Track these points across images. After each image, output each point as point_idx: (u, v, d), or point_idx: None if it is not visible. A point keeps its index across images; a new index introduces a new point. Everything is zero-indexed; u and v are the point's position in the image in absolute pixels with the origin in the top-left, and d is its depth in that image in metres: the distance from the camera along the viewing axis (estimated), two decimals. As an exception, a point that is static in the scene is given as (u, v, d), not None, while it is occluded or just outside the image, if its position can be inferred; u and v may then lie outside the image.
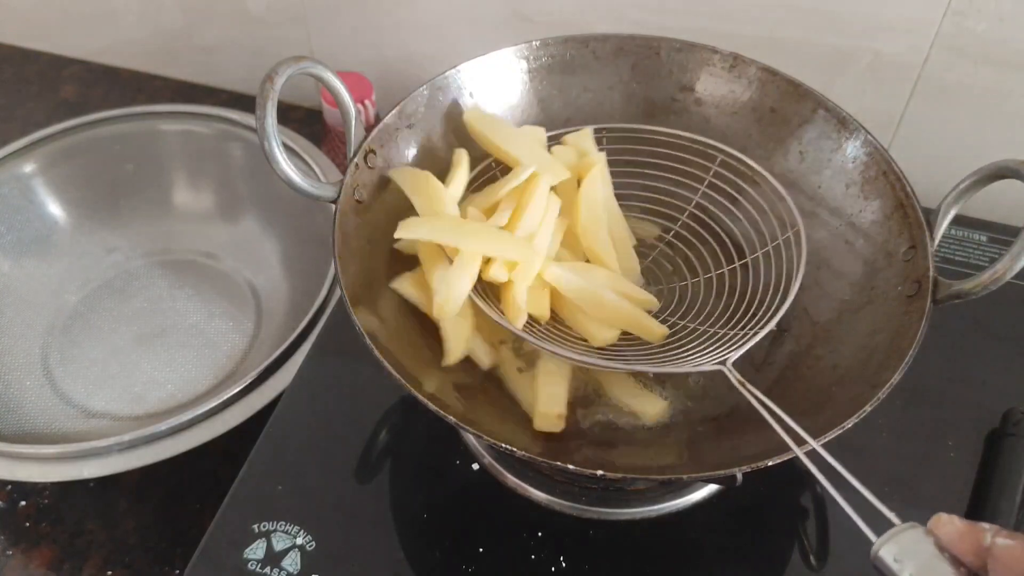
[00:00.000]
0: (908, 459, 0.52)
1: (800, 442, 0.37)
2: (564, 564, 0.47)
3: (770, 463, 0.38)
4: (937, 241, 0.45)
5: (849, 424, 0.38)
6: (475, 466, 0.52)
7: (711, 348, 0.46)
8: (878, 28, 0.62)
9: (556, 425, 0.46)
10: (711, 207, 0.54)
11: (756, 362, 0.50)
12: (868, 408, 0.39)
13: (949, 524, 0.29)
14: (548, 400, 0.46)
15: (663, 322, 0.50)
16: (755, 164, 0.52)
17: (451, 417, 0.40)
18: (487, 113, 0.53)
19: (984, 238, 0.65)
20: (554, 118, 0.56)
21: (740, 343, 0.45)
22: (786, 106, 0.53)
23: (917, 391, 0.54)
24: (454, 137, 0.54)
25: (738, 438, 0.46)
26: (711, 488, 0.51)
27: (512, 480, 0.51)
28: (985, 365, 0.57)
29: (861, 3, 0.61)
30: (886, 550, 0.29)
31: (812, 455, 0.36)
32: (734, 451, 0.43)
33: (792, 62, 0.55)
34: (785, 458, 0.38)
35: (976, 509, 0.49)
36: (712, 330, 0.48)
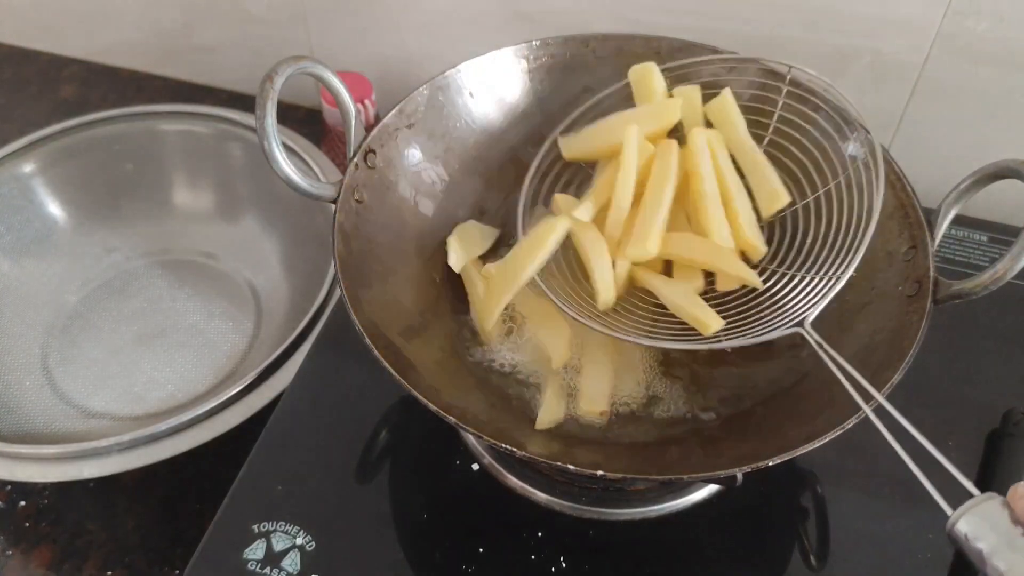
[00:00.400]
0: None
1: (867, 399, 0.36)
2: (564, 564, 0.47)
3: (770, 463, 0.38)
4: (938, 241, 0.45)
5: (850, 424, 0.38)
6: (475, 466, 0.52)
7: (789, 301, 0.45)
8: (878, 28, 0.62)
9: (600, 420, 0.47)
10: (781, 140, 0.52)
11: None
12: (869, 408, 0.39)
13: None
14: (591, 400, 0.48)
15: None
16: (826, 79, 0.49)
17: (451, 417, 0.40)
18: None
19: (985, 238, 0.64)
20: (554, 118, 0.56)
21: (816, 298, 0.44)
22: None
23: (918, 391, 0.54)
24: (453, 137, 0.54)
25: (740, 437, 0.46)
26: (711, 488, 0.51)
27: (512, 480, 0.51)
28: (986, 365, 0.57)
29: (861, 3, 0.61)
30: (963, 523, 0.28)
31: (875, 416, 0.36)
32: (735, 451, 0.43)
33: (792, 61, 0.55)
34: (787, 458, 0.38)
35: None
36: (790, 272, 0.47)
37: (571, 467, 0.39)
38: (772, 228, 0.51)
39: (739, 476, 0.38)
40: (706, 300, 0.47)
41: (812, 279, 0.46)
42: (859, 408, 0.39)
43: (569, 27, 0.57)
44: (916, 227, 0.46)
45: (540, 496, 0.50)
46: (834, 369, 0.39)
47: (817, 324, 0.49)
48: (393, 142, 0.51)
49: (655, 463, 0.47)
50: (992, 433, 0.53)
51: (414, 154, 0.53)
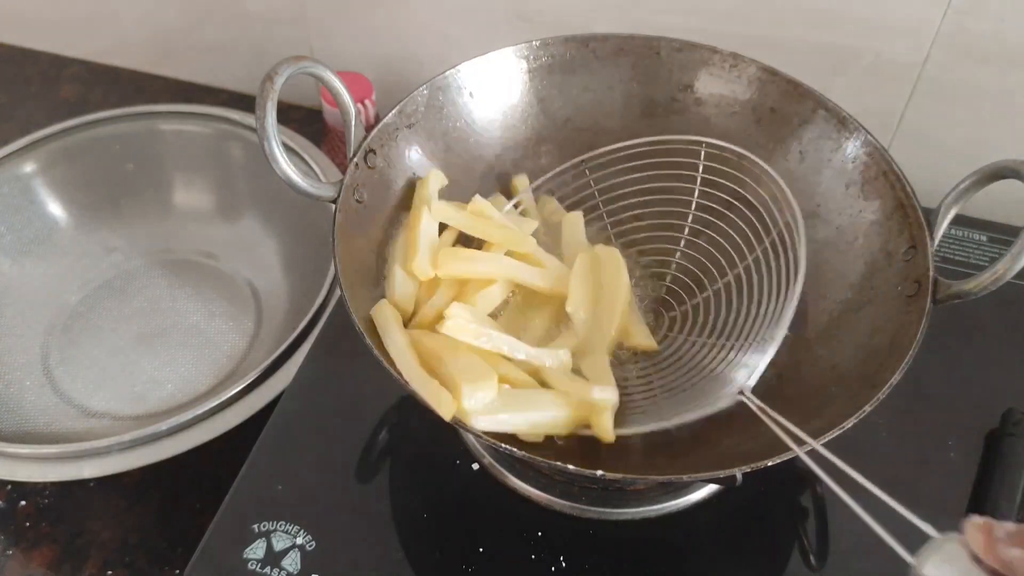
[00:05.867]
0: (908, 459, 0.52)
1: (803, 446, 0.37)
2: (564, 564, 0.47)
3: (770, 463, 0.38)
4: (937, 241, 0.45)
5: (849, 424, 0.38)
6: (475, 466, 0.52)
7: (726, 367, 0.45)
8: (878, 28, 0.62)
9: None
10: (709, 216, 0.53)
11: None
12: (868, 408, 0.39)
13: (975, 535, 0.28)
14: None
15: (673, 342, 0.50)
16: (741, 149, 0.50)
17: (451, 417, 0.40)
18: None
19: (984, 238, 0.65)
20: (554, 118, 0.56)
21: (754, 365, 0.43)
22: (786, 106, 0.53)
23: (917, 391, 0.54)
24: (453, 137, 0.54)
25: (739, 438, 0.46)
26: (711, 488, 0.51)
27: (512, 480, 0.51)
28: (985, 365, 0.57)
29: (861, 3, 0.61)
30: (928, 569, 0.28)
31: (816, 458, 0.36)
32: (734, 451, 0.43)
33: (792, 62, 0.55)
34: (786, 458, 0.38)
35: (976, 509, 0.49)
36: (727, 343, 0.47)
37: (571, 467, 0.39)
38: (697, 302, 0.51)
39: (739, 476, 0.38)
40: (645, 372, 0.48)
41: (744, 346, 0.46)
42: (859, 407, 0.39)
43: (569, 27, 0.57)
44: (915, 227, 0.46)
45: (540, 496, 0.50)
46: (778, 431, 0.38)
47: (817, 324, 0.49)
48: (393, 142, 0.51)
49: (655, 463, 0.47)
50: (991, 433, 0.53)
51: (414, 154, 0.53)
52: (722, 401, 0.42)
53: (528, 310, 0.50)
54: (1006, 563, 0.27)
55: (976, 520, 0.28)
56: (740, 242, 0.51)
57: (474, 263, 0.49)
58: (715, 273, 0.52)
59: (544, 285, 0.49)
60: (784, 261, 0.47)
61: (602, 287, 0.49)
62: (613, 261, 0.50)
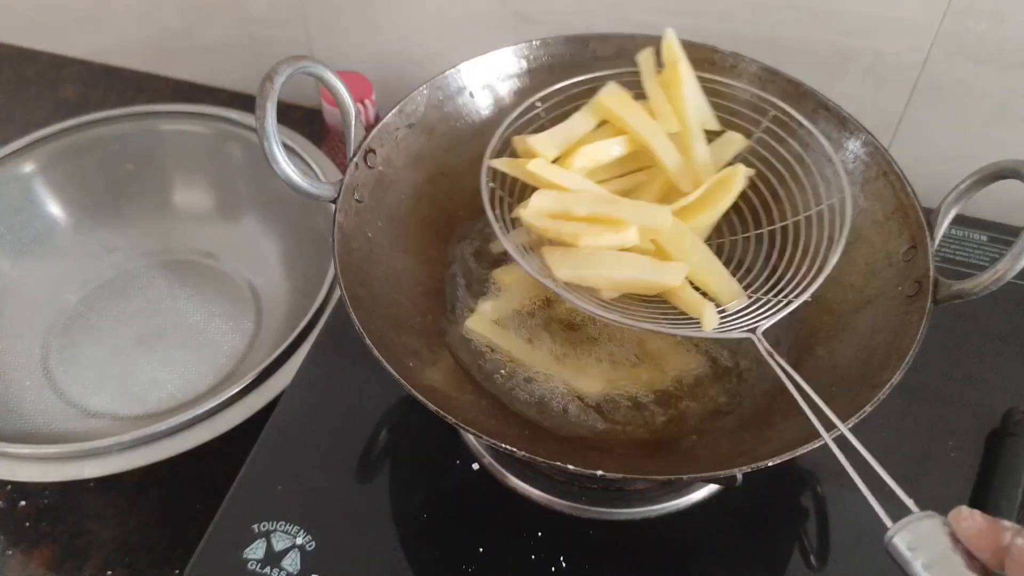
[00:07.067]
0: (909, 459, 0.52)
1: (825, 422, 0.37)
2: (564, 564, 0.47)
3: (770, 463, 0.38)
4: (937, 241, 0.45)
5: (849, 424, 0.38)
6: (475, 466, 0.52)
7: (742, 314, 0.45)
8: (878, 28, 0.62)
9: None
10: (758, 165, 0.52)
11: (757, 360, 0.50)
12: (868, 408, 0.39)
13: (969, 519, 0.29)
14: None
15: None
16: (806, 122, 0.50)
17: (451, 417, 0.40)
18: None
19: (985, 238, 0.65)
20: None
21: (772, 312, 0.44)
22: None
23: (917, 391, 0.54)
24: (453, 137, 0.54)
25: (739, 437, 0.46)
26: (711, 488, 0.51)
27: (512, 480, 0.51)
28: (985, 365, 0.57)
29: (861, 3, 0.61)
30: (900, 537, 0.29)
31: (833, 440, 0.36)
32: (734, 451, 0.43)
33: (792, 62, 0.55)
34: (787, 458, 0.38)
35: (977, 509, 0.49)
36: (747, 293, 0.47)
37: (571, 467, 0.39)
38: (747, 244, 0.51)
39: (739, 476, 0.38)
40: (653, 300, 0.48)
41: (771, 300, 0.46)
42: (859, 408, 0.39)
43: (569, 27, 0.57)
44: (916, 227, 0.46)
45: (540, 496, 0.50)
46: (783, 377, 0.39)
47: (817, 324, 0.49)
48: (393, 142, 0.51)
49: (655, 463, 0.47)
50: (992, 433, 0.53)
51: (413, 154, 0.53)
52: (732, 333, 0.43)
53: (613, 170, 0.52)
54: (1001, 548, 0.27)
55: (970, 509, 0.29)
56: (784, 205, 0.51)
57: (634, 115, 0.51)
58: (749, 223, 0.52)
59: (673, 169, 0.50)
60: (819, 239, 0.48)
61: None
62: (735, 177, 0.50)
